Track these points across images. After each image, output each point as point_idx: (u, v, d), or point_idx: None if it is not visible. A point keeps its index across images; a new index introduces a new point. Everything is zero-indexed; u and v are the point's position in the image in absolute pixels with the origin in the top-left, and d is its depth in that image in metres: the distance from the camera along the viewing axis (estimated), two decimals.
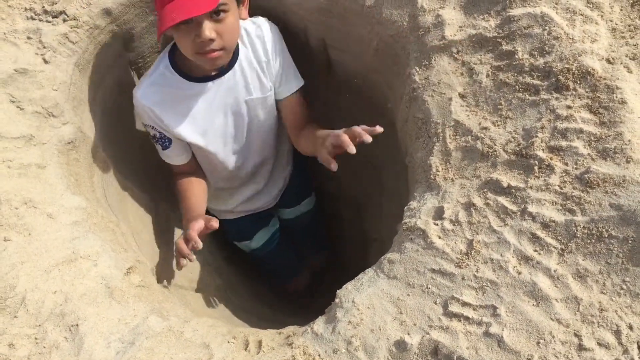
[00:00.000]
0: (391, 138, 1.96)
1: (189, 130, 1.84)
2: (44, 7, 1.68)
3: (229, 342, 1.29)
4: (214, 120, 1.87)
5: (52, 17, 1.68)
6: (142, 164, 2.15)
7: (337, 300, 1.33)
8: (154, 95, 1.75)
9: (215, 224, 1.73)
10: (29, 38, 1.64)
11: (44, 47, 1.64)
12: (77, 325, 1.23)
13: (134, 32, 1.89)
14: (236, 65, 1.81)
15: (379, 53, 1.69)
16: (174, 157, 1.93)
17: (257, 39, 1.82)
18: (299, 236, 2.66)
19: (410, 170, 1.57)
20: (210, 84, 1.80)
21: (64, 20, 1.69)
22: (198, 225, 1.70)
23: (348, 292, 1.32)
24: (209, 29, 1.54)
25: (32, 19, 1.67)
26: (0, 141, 1.45)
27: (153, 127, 1.82)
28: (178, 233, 2.15)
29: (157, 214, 2.07)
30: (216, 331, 1.34)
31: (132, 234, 1.71)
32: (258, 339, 1.33)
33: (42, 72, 1.60)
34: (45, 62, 1.62)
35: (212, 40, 1.56)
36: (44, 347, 1.20)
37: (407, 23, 1.53)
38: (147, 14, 1.88)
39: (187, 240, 1.68)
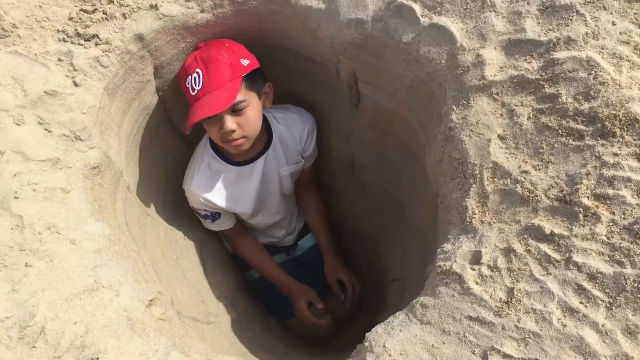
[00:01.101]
0: (417, 176, 1.92)
1: (237, 205, 2.16)
2: (76, 29, 1.66)
3: None
4: (255, 192, 2.18)
5: (85, 40, 1.66)
6: (162, 192, 2.12)
7: (366, 344, 1.27)
8: (205, 185, 2.04)
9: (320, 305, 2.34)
10: (60, 60, 1.63)
11: (75, 70, 1.62)
12: (98, 358, 1.18)
13: (164, 58, 1.87)
14: (271, 146, 2.12)
15: (413, 90, 1.66)
16: (223, 224, 2.23)
17: (295, 124, 2.16)
18: (314, 273, 2.59)
19: (443, 210, 1.52)
20: (252, 164, 2.10)
21: (96, 44, 1.67)
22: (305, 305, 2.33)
23: (378, 336, 1.27)
24: (230, 122, 1.81)
25: (64, 41, 1.65)
26: (27, 163, 1.42)
27: (204, 210, 2.12)
28: (195, 263, 2.11)
29: (175, 243, 2.03)
30: None
31: (152, 264, 1.67)
32: None
33: (72, 95, 1.58)
34: (76, 85, 1.60)
35: (233, 131, 1.82)
36: None
37: (445, 61, 1.50)
38: (177, 41, 1.86)
39: (308, 320, 2.32)
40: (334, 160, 2.38)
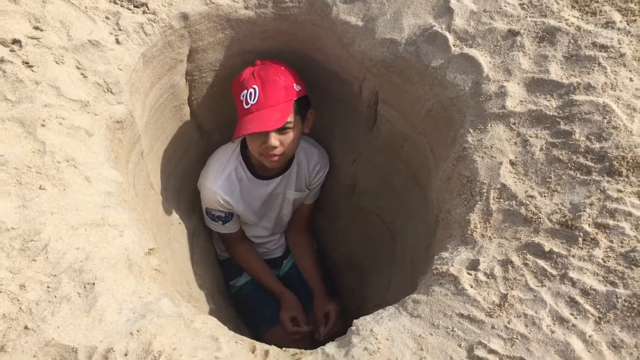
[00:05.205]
0: (417, 206, 1.98)
1: (247, 210, 2.32)
2: None
3: (236, 342, 1.25)
4: (262, 203, 2.35)
5: (134, 7, 1.74)
6: (168, 173, 2.15)
7: (353, 327, 1.29)
8: (228, 188, 2.19)
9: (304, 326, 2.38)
10: (107, 18, 1.70)
11: (120, 30, 1.68)
12: (94, 284, 1.19)
13: (201, 43, 1.95)
14: (289, 169, 2.29)
15: (431, 115, 1.74)
16: (231, 227, 2.36)
17: (313, 157, 2.34)
18: (300, 288, 2.60)
19: (443, 227, 1.57)
20: (270, 180, 2.27)
21: (144, 12, 1.75)
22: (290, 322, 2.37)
23: (367, 323, 1.29)
24: (274, 138, 1.96)
25: (115, 2, 1.73)
26: (58, 98, 1.46)
27: (220, 211, 2.25)
28: (184, 249, 2.12)
29: (171, 224, 2.05)
30: (224, 330, 1.29)
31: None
32: (265, 349, 1.28)
33: (112, 51, 1.63)
34: (118, 42, 1.66)
35: (275, 147, 1.97)
36: (55, 297, 1.15)
37: (469, 88, 1.59)
38: (217, 30, 1.95)
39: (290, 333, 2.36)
40: (336, 181, 2.43)
